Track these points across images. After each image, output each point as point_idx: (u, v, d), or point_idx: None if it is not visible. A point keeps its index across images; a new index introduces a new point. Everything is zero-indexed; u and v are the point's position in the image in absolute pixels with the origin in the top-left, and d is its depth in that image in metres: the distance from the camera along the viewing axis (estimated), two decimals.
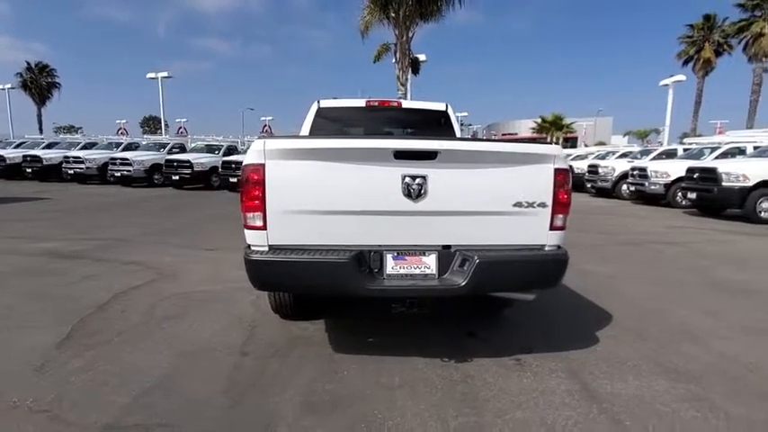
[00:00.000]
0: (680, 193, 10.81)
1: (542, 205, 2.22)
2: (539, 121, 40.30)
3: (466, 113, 34.90)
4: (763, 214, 8.50)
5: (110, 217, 8.27)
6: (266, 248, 2.17)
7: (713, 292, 3.96)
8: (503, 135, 68.43)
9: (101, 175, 14.83)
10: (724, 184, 8.70)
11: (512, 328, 3.11)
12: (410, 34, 14.57)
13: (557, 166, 2.22)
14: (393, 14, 14.28)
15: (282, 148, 2.09)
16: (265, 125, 34.62)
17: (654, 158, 13.58)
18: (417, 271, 2.22)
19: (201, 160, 13.75)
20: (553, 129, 34.69)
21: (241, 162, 10.64)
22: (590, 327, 3.07)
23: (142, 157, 14.52)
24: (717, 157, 11.17)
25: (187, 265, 4.59)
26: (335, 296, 2.98)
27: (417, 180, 2.11)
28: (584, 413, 2.02)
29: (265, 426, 1.90)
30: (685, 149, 13.95)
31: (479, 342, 2.83)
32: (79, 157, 15.00)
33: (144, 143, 17.78)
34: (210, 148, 15.47)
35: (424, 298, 2.26)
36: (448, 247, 2.26)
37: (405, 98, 14.84)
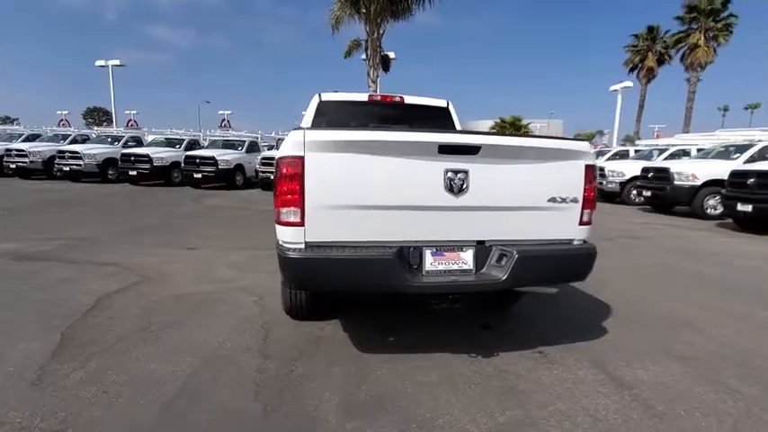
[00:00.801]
0: (634, 191, 11.60)
1: (574, 200, 2.28)
2: (498, 121, 41.71)
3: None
4: (709, 211, 9.14)
5: (69, 215, 7.58)
6: (302, 246, 2.06)
7: (692, 283, 4.28)
8: None
9: (46, 169, 13.56)
10: (675, 182, 9.33)
11: (522, 319, 3.18)
12: (381, 31, 14.52)
13: (587, 162, 2.29)
14: (364, 10, 14.17)
15: (324, 140, 1.99)
16: (224, 119, 33.23)
17: (608, 159, 14.52)
18: (455, 266, 2.21)
19: (162, 155, 12.92)
20: (512, 129, 36.10)
21: (208, 157, 10.51)
22: (594, 318, 3.21)
23: (94, 151, 13.42)
24: (666, 159, 12.07)
25: (171, 266, 4.30)
26: (374, 293, 2.89)
27: (459, 175, 2.10)
28: (618, 401, 2.09)
29: (310, 431, 1.81)
30: (636, 151, 14.99)
31: (497, 335, 2.87)
32: (22, 150, 13.61)
33: (95, 136, 16.46)
34: (171, 142, 14.56)
35: (464, 293, 2.24)
36: (482, 242, 2.26)
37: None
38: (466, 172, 2.10)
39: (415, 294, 2.20)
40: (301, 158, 1.98)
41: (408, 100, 4.02)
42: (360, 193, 2.05)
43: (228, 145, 14.32)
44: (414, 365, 2.39)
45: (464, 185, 2.10)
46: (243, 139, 15.26)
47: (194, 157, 12.49)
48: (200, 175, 12.35)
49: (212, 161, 12.29)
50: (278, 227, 2.14)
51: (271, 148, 14.93)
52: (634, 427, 1.89)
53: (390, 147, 2.03)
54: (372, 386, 2.17)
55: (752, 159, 8.76)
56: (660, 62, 31.73)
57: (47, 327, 2.74)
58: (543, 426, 1.89)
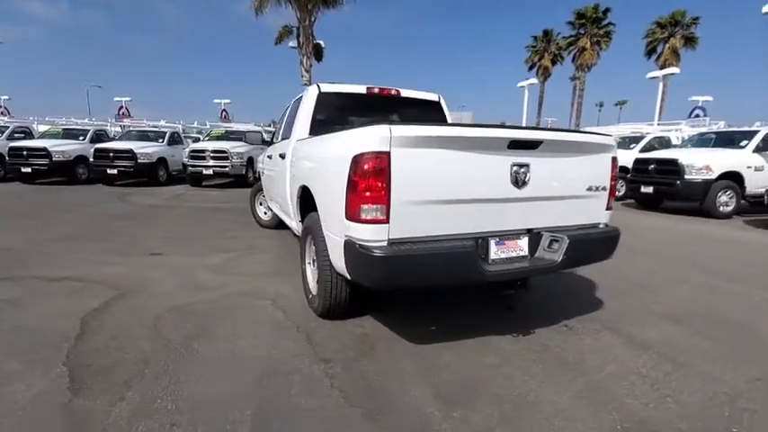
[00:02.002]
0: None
1: (604, 189, 2.58)
2: None
3: None
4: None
5: None
6: (385, 243, 2.03)
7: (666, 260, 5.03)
8: None
9: None
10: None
11: (535, 299, 3.47)
12: (312, 18, 14.08)
13: (612, 155, 2.60)
14: None
15: (410, 135, 1.96)
16: (122, 107, 29.36)
17: None
18: (514, 254, 2.36)
19: (63, 148, 11.01)
20: None
21: (125, 150, 9.53)
22: (588, 291, 3.64)
23: None
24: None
25: (145, 275, 3.81)
26: (453, 285, 2.88)
27: (523, 169, 2.24)
28: (648, 359, 2.45)
29: (422, 426, 1.83)
30: None
31: (523, 315, 3.11)
32: None
33: None
34: (70, 134, 12.46)
35: (525, 278, 2.40)
36: (531, 230, 2.44)
37: (309, 84, 14.36)
38: (528, 165, 2.25)
39: (486, 283, 2.30)
40: (387, 154, 1.94)
41: (404, 93, 4.05)
42: (438, 187, 2.08)
43: (144, 136, 12.73)
44: (470, 351, 2.51)
45: (526, 178, 2.25)
46: (162, 130, 13.69)
47: (107, 151, 10.90)
48: (115, 171, 10.84)
49: (130, 155, 10.86)
50: (352, 224, 2.06)
51: (197, 140, 13.67)
52: (674, 378, 2.24)
53: (468, 142, 2.09)
54: (448, 375, 2.24)
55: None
56: (554, 62, 35.72)
57: (37, 360, 2.29)
58: (611, 387, 2.14)
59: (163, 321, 2.83)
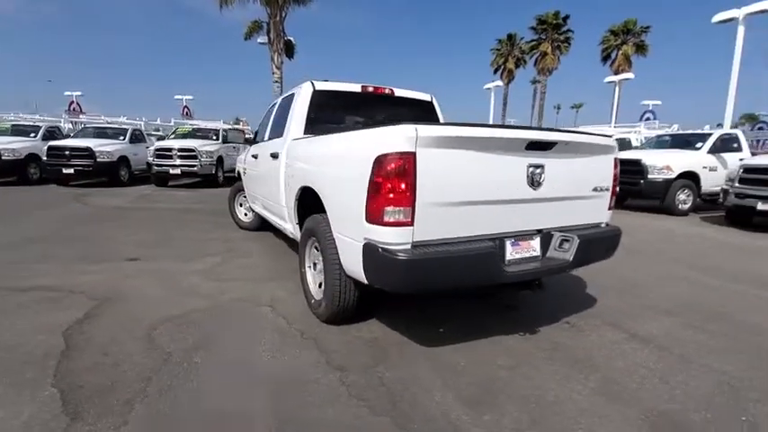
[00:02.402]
0: None
1: (607, 189, 2.66)
2: None
3: None
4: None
5: None
6: (409, 246, 1.98)
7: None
8: None
9: None
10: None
11: (534, 297, 3.52)
12: (283, 14, 13.74)
13: (615, 156, 2.68)
14: None
15: (436, 136, 1.92)
16: (72, 101, 27.45)
17: None
18: (527, 254, 2.38)
19: (12, 146, 10.09)
20: None
21: (82, 148, 9.08)
22: (582, 289, 3.76)
23: None
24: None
25: (127, 283, 3.55)
26: (474, 287, 2.83)
27: (538, 170, 2.26)
28: (650, 352, 2.55)
29: (454, 430, 1.80)
30: None
31: (525, 314, 3.15)
32: None
33: None
34: (19, 130, 11.45)
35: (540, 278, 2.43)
36: (540, 230, 2.47)
37: (281, 82, 14.03)
38: (543, 166, 2.27)
39: (504, 284, 2.31)
40: (413, 155, 1.89)
41: (398, 93, 4.01)
42: (459, 189, 2.06)
43: (102, 134, 11.92)
44: (482, 352, 2.51)
45: (541, 179, 2.27)
46: (123, 126, 12.87)
47: (62, 149, 10.11)
48: (71, 171, 10.08)
49: (88, 153, 10.14)
50: (373, 227, 2.00)
51: (161, 138, 12.96)
52: (677, 370, 2.34)
53: (489, 143, 2.08)
54: (467, 377, 2.23)
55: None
56: (518, 65, 36.86)
57: (21, 382, 2.06)
58: (624, 382, 2.21)
59: (157, 333, 2.64)
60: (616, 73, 29.43)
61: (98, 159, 10.24)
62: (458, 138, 2.00)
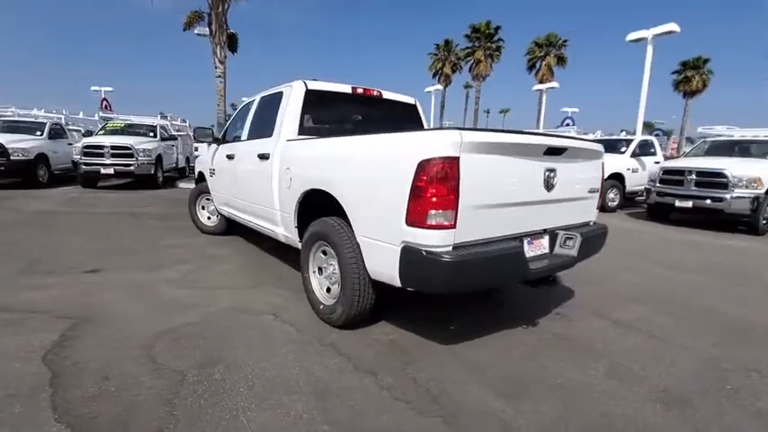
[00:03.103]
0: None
1: (597, 191, 2.93)
2: None
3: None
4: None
5: None
6: (450, 248, 2.02)
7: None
8: None
9: None
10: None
11: (517, 294, 3.76)
12: (226, 5, 13.02)
13: (602, 161, 2.96)
14: None
15: (478, 141, 1.99)
16: None
17: None
18: (539, 252, 2.55)
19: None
20: None
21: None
22: (562, 283, 4.05)
23: None
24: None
25: (94, 297, 3.17)
26: (502, 284, 2.87)
27: (552, 173, 2.43)
28: (636, 336, 2.86)
29: (504, 426, 1.88)
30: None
31: (514, 309, 3.36)
32: None
33: None
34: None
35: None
36: (546, 229, 2.66)
37: (224, 77, 13.29)
38: (555, 170, 2.45)
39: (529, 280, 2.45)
40: (457, 159, 1.94)
41: (385, 95, 4.03)
42: (492, 191, 2.15)
43: (13, 128, 10.36)
44: (498, 346, 2.64)
45: (554, 182, 2.45)
46: (41, 120, 11.25)
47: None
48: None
49: (0, 150, 8.79)
50: (415, 230, 2.01)
51: (89, 133, 11.57)
52: (664, 351, 2.66)
53: (519, 148, 2.19)
54: (494, 371, 2.33)
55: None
56: (454, 70, 38.52)
57: (16, 421, 1.78)
58: (627, 365, 2.45)
59: (157, 351, 2.40)
60: (541, 82, 31.95)
61: (12, 157, 8.91)
62: (495, 143, 2.09)
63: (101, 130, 11.41)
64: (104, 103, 22.70)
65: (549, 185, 2.43)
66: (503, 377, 2.28)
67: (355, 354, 2.47)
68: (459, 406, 2.00)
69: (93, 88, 21.16)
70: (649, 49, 14.82)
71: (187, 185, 11.91)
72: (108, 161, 9.67)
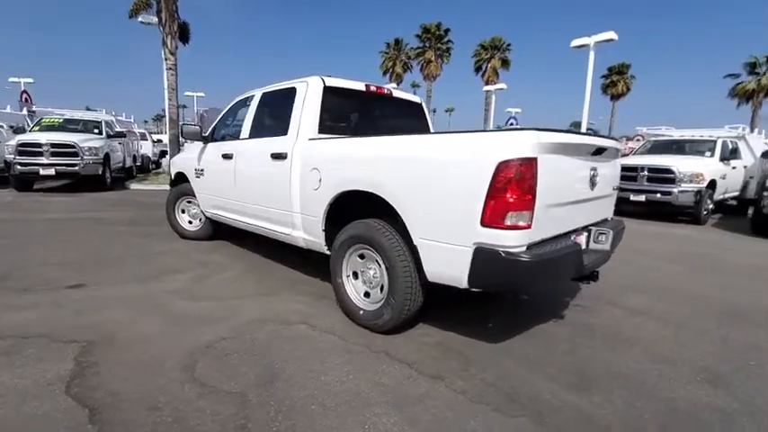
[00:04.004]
0: None
1: (617, 188, 3.10)
2: None
3: (203, 94, 31.43)
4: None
5: None
6: (525, 248, 2.03)
7: None
8: None
9: None
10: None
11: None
12: None
13: (620, 159, 3.14)
14: None
15: (553, 142, 2.01)
16: None
17: None
18: (581, 248, 2.65)
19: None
20: None
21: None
22: None
23: None
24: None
25: (95, 316, 2.81)
26: (564, 281, 2.91)
27: (594, 172, 2.53)
28: (657, 323, 3.07)
29: (586, 417, 1.93)
30: None
31: (535, 305, 3.47)
32: None
33: None
34: None
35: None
36: (585, 226, 2.77)
37: (175, 69, 12.40)
38: (597, 169, 2.55)
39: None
40: (535, 160, 1.95)
41: (395, 93, 3.97)
42: (556, 191, 2.19)
43: None
44: (541, 340, 2.70)
45: (596, 180, 2.56)
46: None
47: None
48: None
49: None
50: (491, 231, 2.00)
51: (20, 130, 10.16)
52: (686, 334, 2.88)
53: (578, 148, 2.26)
54: (551, 365, 2.38)
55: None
56: (405, 70, 38.98)
57: None
58: (659, 349, 2.63)
59: (200, 372, 2.18)
60: (487, 83, 33.34)
61: None
62: (563, 144, 2.13)
63: (35, 126, 10.10)
64: (24, 96, 20.21)
65: (593, 184, 2.53)
66: (561, 370, 2.34)
67: (412, 359, 2.41)
68: (537, 402, 2.02)
69: (11, 80, 18.71)
70: (591, 54, 16.01)
71: (139, 187, 10.97)
72: (47, 161, 8.61)
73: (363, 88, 3.64)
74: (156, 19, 12.89)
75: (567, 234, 2.47)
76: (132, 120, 14.48)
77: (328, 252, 3.13)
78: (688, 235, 7.07)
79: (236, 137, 4.07)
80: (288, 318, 2.92)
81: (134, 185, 10.80)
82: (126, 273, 3.78)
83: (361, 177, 2.64)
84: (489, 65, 36.30)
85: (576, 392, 2.12)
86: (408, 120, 4.14)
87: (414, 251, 2.41)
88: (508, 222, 1.98)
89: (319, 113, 3.25)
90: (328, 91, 3.33)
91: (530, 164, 1.95)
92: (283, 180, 3.28)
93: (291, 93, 3.44)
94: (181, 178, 5.11)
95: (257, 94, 3.93)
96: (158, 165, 17.49)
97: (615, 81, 41.11)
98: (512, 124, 27.82)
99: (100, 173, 9.42)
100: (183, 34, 13.07)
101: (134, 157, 12.72)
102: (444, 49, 35.05)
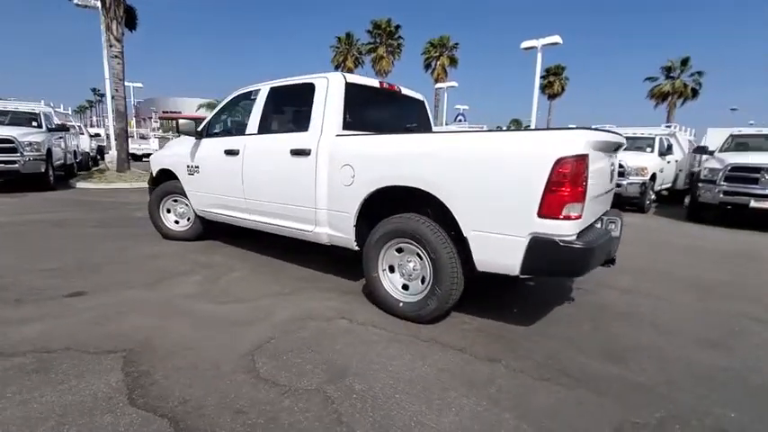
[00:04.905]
0: None
1: (615, 184, 3.43)
2: (210, 101, 39.96)
3: (140, 84, 28.83)
4: None
5: None
6: (575, 236, 2.23)
7: None
8: (164, 113, 62.24)
9: None
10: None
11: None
12: None
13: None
14: None
15: (598, 140, 2.22)
16: None
17: None
18: None
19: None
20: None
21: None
22: None
23: None
24: None
25: (113, 326, 2.62)
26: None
27: (613, 166, 2.81)
28: (655, 301, 3.44)
29: (639, 388, 2.18)
30: None
31: (545, 290, 3.74)
32: None
33: None
34: None
35: None
36: (600, 216, 3.05)
37: (121, 58, 11.45)
38: (614, 164, 2.83)
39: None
40: (587, 156, 2.15)
41: (404, 91, 4.03)
42: (595, 184, 2.42)
43: None
44: (565, 322, 2.95)
45: (614, 175, 2.84)
46: None
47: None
48: None
49: None
50: (548, 221, 2.17)
51: None
52: (683, 310, 3.27)
53: (609, 145, 2.49)
54: (585, 342, 2.62)
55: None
56: (356, 65, 38.84)
57: None
58: (660, 322, 2.99)
59: (266, 372, 2.14)
60: (436, 80, 34.28)
61: None
62: (603, 141, 2.35)
63: None
64: None
65: (612, 177, 2.81)
66: (594, 346, 2.58)
67: (461, 345, 2.53)
68: (588, 375, 2.23)
69: None
70: (539, 55, 17.08)
71: (87, 186, 10.03)
72: None
73: (378, 85, 3.68)
74: (95, 1, 11.80)
75: (593, 224, 2.72)
76: (70, 112, 13.08)
77: (356, 248, 3.17)
78: (637, 222, 7.88)
79: (239, 132, 3.92)
80: (324, 314, 2.91)
81: (81, 184, 9.84)
82: (123, 278, 3.52)
83: (403, 173, 2.70)
84: (438, 62, 37.24)
85: (614, 364, 2.37)
86: (413, 116, 4.24)
87: (460, 242, 2.53)
88: (565, 213, 2.17)
89: (343, 110, 3.25)
90: (349, 87, 3.33)
91: (583, 160, 2.15)
92: (306, 176, 3.24)
93: (308, 88, 3.39)
94: (165, 176, 4.80)
95: (263, 89, 3.81)
96: (96, 161, 16.03)
97: (552, 82, 44.00)
98: (460, 120, 28.84)
99: (42, 170, 8.47)
100: (130, 20, 12.05)
101: (75, 152, 11.55)
102: (396, 46, 35.41)
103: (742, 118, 36.47)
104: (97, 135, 17.47)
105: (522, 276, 2.40)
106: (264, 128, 3.73)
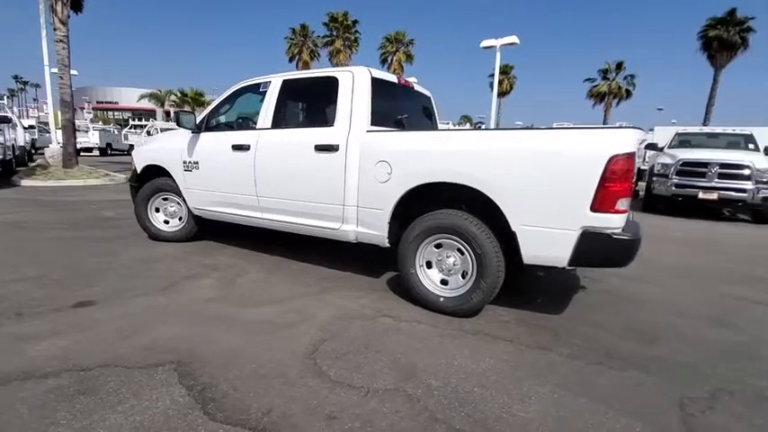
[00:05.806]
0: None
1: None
2: (178, 94, 37.68)
3: (76, 72, 26.08)
4: None
5: None
6: (621, 229, 2.37)
7: None
8: (98, 103, 57.49)
9: None
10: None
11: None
12: None
13: None
14: None
15: (639, 139, 2.36)
16: None
17: None
18: None
19: None
20: (193, 104, 33.41)
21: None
22: None
23: None
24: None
25: (148, 338, 2.42)
26: None
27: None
28: (657, 288, 3.74)
29: (680, 366, 2.38)
30: None
31: (557, 281, 3.94)
32: None
33: None
34: None
35: None
36: None
37: (66, 42, 10.41)
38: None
39: None
40: (634, 154, 2.29)
41: (416, 87, 4.04)
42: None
43: None
44: (585, 308, 3.14)
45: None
46: None
47: None
48: None
49: None
50: (600, 215, 2.29)
51: None
52: (685, 295, 3.59)
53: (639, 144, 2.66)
54: (612, 326, 2.80)
55: None
56: (312, 57, 38.04)
57: None
58: (670, 306, 3.27)
59: (336, 375, 2.08)
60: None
61: None
62: (640, 140, 2.51)
63: None
64: None
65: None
66: (623, 329, 2.78)
67: (508, 336, 2.61)
68: (631, 357, 2.40)
69: None
70: (498, 55, 17.72)
71: (34, 183, 9.03)
72: None
73: (396, 80, 3.65)
74: None
75: None
76: (5, 101, 11.65)
77: (388, 245, 3.15)
78: None
79: (248, 126, 3.72)
80: (363, 313, 2.87)
81: (26, 182, 8.82)
82: (128, 284, 3.24)
83: (448, 170, 2.71)
84: (395, 57, 37.48)
85: (649, 346, 2.57)
86: (422, 111, 4.26)
87: (507, 237, 2.61)
88: (617, 207, 2.30)
89: (370, 105, 3.19)
90: (376, 82, 3.29)
91: (631, 157, 2.29)
92: (333, 173, 3.16)
93: (331, 82, 3.30)
94: (153, 173, 4.45)
95: (275, 81, 3.64)
96: (32, 157, 14.47)
97: (501, 80, 45.84)
98: None
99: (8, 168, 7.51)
100: (76, 1, 10.93)
101: (12, 147, 10.32)
102: (353, 40, 35.13)
103: (666, 117, 40.36)
104: (31, 127, 15.71)
105: (568, 268, 2.53)
106: (280, 122, 3.57)
